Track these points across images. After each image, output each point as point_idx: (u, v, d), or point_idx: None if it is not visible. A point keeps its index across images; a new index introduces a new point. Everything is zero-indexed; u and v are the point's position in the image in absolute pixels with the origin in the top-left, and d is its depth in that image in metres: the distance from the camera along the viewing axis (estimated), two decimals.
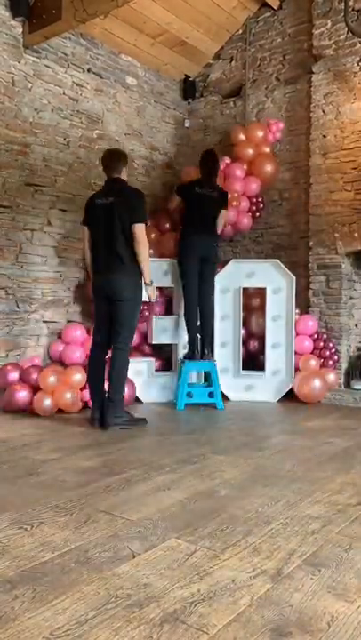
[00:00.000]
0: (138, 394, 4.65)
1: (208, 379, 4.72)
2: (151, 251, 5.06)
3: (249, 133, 5.37)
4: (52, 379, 4.12)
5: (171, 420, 4.12)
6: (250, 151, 5.31)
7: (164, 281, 4.88)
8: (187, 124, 6.36)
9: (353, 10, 4.84)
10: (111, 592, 1.56)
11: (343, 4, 4.79)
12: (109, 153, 4.01)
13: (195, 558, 1.77)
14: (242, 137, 5.36)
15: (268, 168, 5.27)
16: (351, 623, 1.41)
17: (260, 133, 5.33)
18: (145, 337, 5.10)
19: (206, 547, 1.86)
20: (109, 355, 3.89)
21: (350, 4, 4.77)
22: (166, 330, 4.89)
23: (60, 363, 4.64)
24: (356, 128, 4.89)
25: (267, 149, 5.37)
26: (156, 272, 4.82)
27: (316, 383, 4.65)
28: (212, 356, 4.69)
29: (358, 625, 1.40)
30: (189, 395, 4.57)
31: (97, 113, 5.36)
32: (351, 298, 5.16)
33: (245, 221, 5.31)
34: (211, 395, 4.56)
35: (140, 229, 3.72)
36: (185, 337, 4.74)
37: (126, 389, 4.40)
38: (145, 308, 4.96)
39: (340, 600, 1.53)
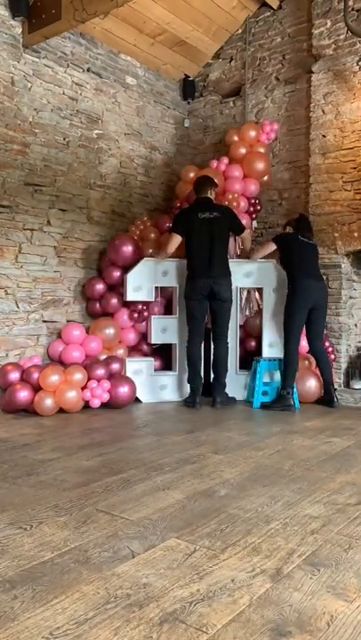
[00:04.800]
0: (138, 394, 4.65)
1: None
2: (150, 250, 5.08)
3: (242, 134, 5.36)
4: (53, 378, 4.12)
5: (170, 419, 4.12)
6: (243, 150, 5.29)
7: (163, 281, 4.88)
8: (186, 124, 6.36)
9: (352, 9, 4.85)
10: (111, 592, 1.56)
11: (343, 3, 4.79)
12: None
13: (194, 558, 1.77)
14: (235, 138, 5.35)
15: (260, 166, 5.24)
16: (351, 623, 1.41)
17: (252, 133, 5.32)
18: (144, 336, 5.10)
19: (206, 546, 1.86)
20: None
21: (350, 3, 4.76)
22: (166, 329, 4.89)
23: (60, 362, 4.64)
24: (355, 128, 4.89)
25: (261, 149, 5.33)
26: (155, 272, 4.84)
27: (312, 382, 4.66)
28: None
29: (358, 624, 1.41)
30: (265, 393, 4.58)
31: (96, 113, 5.36)
32: (351, 297, 5.16)
33: (244, 222, 5.28)
34: None
35: None
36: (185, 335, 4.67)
37: (127, 388, 4.43)
38: (144, 307, 4.96)
39: (340, 599, 1.53)
